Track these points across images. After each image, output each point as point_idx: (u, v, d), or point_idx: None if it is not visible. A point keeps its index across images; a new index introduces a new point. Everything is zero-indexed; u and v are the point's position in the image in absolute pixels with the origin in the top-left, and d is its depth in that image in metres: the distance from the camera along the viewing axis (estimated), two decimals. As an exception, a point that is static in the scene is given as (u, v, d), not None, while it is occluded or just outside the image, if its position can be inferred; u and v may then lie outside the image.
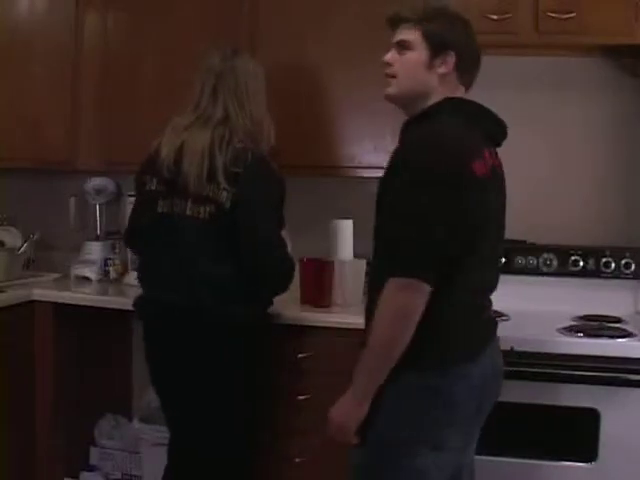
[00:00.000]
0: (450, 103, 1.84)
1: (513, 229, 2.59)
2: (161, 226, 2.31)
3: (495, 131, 1.91)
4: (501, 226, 1.92)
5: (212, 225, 2.24)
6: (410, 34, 1.84)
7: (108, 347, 3.19)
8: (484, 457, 2.24)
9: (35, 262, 3.28)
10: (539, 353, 2.35)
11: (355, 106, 2.81)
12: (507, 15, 2.61)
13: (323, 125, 2.85)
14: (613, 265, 2.75)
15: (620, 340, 2.38)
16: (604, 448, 2.33)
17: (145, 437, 2.93)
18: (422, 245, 1.68)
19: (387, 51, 1.91)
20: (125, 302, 2.60)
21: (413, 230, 1.68)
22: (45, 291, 2.89)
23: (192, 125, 2.31)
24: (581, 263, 2.78)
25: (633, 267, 2.74)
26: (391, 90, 1.89)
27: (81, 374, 3.00)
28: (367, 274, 2.75)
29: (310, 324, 2.58)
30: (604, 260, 2.76)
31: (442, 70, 1.83)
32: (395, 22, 1.88)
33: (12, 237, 3.15)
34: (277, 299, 2.87)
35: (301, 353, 2.57)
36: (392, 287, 1.69)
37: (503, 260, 2.77)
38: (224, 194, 2.22)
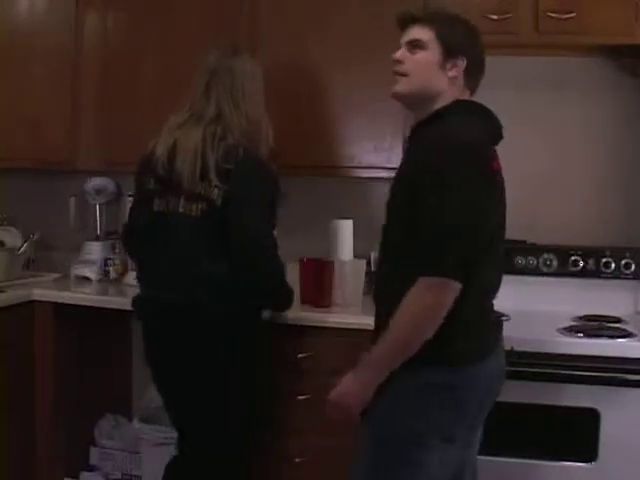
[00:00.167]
0: (461, 105, 1.87)
1: (513, 229, 2.59)
2: (157, 225, 2.32)
3: (496, 132, 1.92)
4: (505, 227, 1.93)
5: (205, 222, 2.25)
6: (424, 34, 1.85)
7: (108, 347, 3.19)
8: (484, 457, 2.23)
9: (35, 262, 3.28)
10: (539, 353, 2.35)
11: (355, 106, 2.81)
12: (507, 15, 2.61)
13: (323, 125, 2.85)
14: (613, 265, 2.75)
15: (620, 340, 2.38)
16: (604, 448, 2.33)
17: (145, 437, 2.93)
18: (453, 244, 1.70)
19: (396, 49, 1.91)
20: (125, 302, 2.60)
21: (444, 230, 1.70)
22: (45, 291, 2.89)
23: (185, 123, 2.32)
24: (581, 263, 2.78)
25: (633, 267, 2.74)
26: (400, 88, 1.89)
27: (81, 374, 3.00)
28: (368, 274, 2.75)
29: (310, 324, 2.57)
30: (604, 260, 2.76)
31: (452, 73, 1.86)
32: (407, 22, 1.89)
33: (12, 237, 3.15)
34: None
35: (301, 353, 2.57)
36: (423, 285, 1.71)
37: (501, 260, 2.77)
38: (215, 191, 2.23)
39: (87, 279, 3.12)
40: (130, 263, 3.07)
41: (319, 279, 2.72)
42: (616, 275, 2.76)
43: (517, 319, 2.57)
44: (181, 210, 2.27)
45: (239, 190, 2.23)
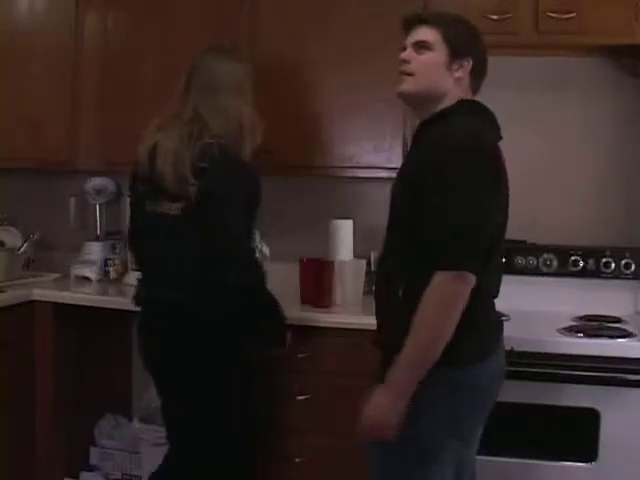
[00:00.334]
0: (465, 105, 1.89)
1: (513, 229, 2.59)
2: (149, 226, 2.36)
3: (497, 133, 1.93)
4: (506, 226, 1.94)
5: (184, 221, 2.27)
6: (430, 35, 1.87)
7: (108, 347, 3.19)
8: (484, 457, 2.24)
9: (35, 262, 3.28)
10: (539, 353, 2.35)
11: (355, 106, 2.81)
12: (507, 15, 2.61)
13: (323, 125, 2.85)
14: (613, 265, 2.75)
15: (620, 340, 2.38)
16: (604, 448, 2.33)
17: (145, 437, 2.93)
18: (470, 239, 1.71)
19: (397, 50, 1.93)
20: (125, 302, 2.60)
21: (461, 226, 1.71)
22: (45, 291, 2.89)
23: (166, 124, 2.33)
24: (581, 263, 2.78)
25: (633, 267, 2.74)
26: (407, 87, 1.90)
27: (81, 374, 3.00)
28: (368, 274, 2.75)
29: (310, 324, 2.57)
30: (604, 260, 2.76)
31: (458, 74, 1.88)
32: (413, 23, 1.91)
33: (12, 237, 3.15)
34: (277, 298, 2.88)
35: (301, 353, 2.57)
36: (441, 280, 1.71)
37: (503, 260, 2.77)
38: (192, 189, 2.23)
39: (87, 279, 3.12)
40: (130, 263, 3.07)
41: (319, 279, 2.72)
42: (616, 275, 2.76)
43: (517, 319, 2.57)
44: (166, 210, 2.29)
45: (212, 188, 2.23)
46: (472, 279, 1.71)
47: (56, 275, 3.17)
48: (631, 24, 2.55)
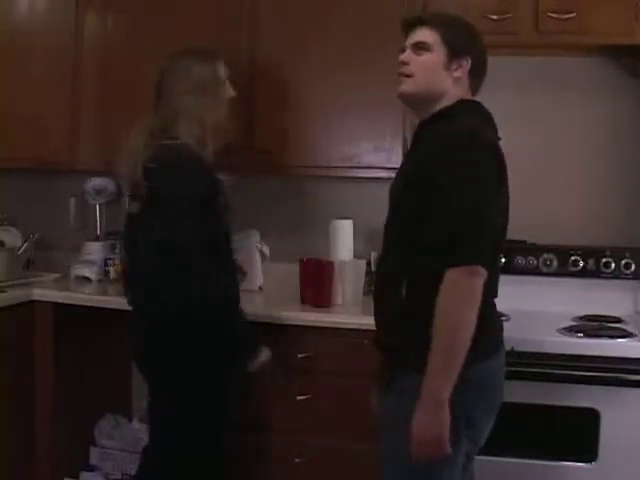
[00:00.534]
0: (466, 104, 1.89)
1: (513, 229, 2.59)
2: (124, 225, 2.44)
3: (496, 133, 1.93)
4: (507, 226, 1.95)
5: (141, 222, 2.31)
6: (429, 36, 1.88)
7: (108, 347, 3.19)
8: (484, 457, 2.23)
9: (35, 262, 3.28)
10: (539, 353, 2.35)
11: (355, 106, 2.81)
12: (507, 15, 2.61)
13: (323, 125, 2.85)
14: (613, 265, 2.75)
15: (620, 340, 2.38)
16: (604, 448, 2.33)
17: (145, 437, 2.93)
18: (481, 234, 1.72)
19: (397, 50, 1.94)
20: (125, 302, 2.60)
21: (471, 223, 1.71)
22: (45, 291, 2.89)
23: (138, 126, 2.36)
24: (581, 263, 2.78)
25: (633, 267, 2.74)
26: (406, 88, 1.91)
27: (81, 374, 3.00)
28: (368, 274, 2.75)
29: (310, 324, 2.58)
30: (604, 260, 2.76)
31: (457, 74, 1.88)
32: (412, 24, 1.92)
33: (12, 237, 3.15)
34: (277, 299, 2.89)
35: (301, 353, 2.57)
36: (456, 276, 1.70)
37: (503, 260, 2.77)
38: (144, 190, 2.26)
39: (87, 279, 3.12)
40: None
41: (319, 279, 2.72)
42: (616, 275, 2.76)
43: (517, 319, 2.57)
44: (132, 210, 2.36)
45: (159, 189, 2.24)
46: (485, 273, 1.72)
47: (56, 275, 3.17)
48: (631, 24, 2.55)
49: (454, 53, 1.87)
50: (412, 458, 1.74)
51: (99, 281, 3.13)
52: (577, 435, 2.38)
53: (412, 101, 1.95)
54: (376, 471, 1.92)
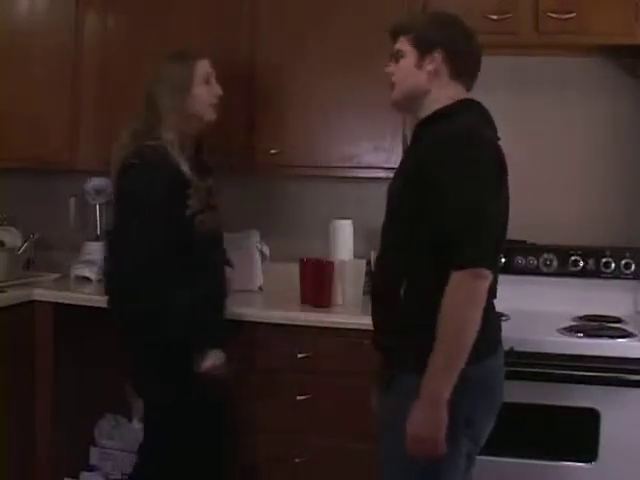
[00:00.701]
0: (464, 104, 1.89)
1: (513, 229, 2.58)
2: None
3: (495, 133, 1.92)
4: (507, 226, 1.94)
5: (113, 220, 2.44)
6: (402, 44, 1.93)
7: (108, 347, 3.18)
8: (484, 457, 2.23)
9: (35, 262, 3.28)
10: (539, 353, 2.35)
11: (355, 106, 2.81)
12: (507, 15, 2.61)
13: (323, 125, 2.85)
14: (613, 265, 2.75)
15: (620, 340, 2.38)
16: (604, 448, 2.33)
17: (145, 437, 2.93)
18: (484, 236, 1.72)
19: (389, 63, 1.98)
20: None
21: (471, 221, 1.71)
22: (45, 291, 2.89)
23: (125, 127, 2.42)
24: (581, 263, 2.78)
25: (633, 267, 2.74)
26: (393, 96, 1.97)
27: (81, 374, 3.00)
28: (368, 274, 2.75)
29: (310, 324, 2.58)
30: (604, 260, 2.76)
31: (430, 67, 1.89)
32: (393, 35, 1.96)
33: (12, 237, 3.14)
34: (277, 299, 2.89)
35: (301, 353, 2.57)
36: (461, 279, 1.70)
37: (503, 260, 2.77)
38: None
39: (87, 279, 3.12)
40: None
41: (319, 279, 2.72)
42: (616, 275, 2.75)
43: (517, 319, 2.57)
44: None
45: (119, 189, 2.33)
46: (489, 275, 1.72)
47: (56, 275, 3.16)
48: (631, 24, 2.55)
49: (423, 50, 1.89)
50: (410, 456, 1.74)
51: (99, 281, 3.12)
52: (577, 435, 2.38)
53: (402, 107, 2.00)
54: (376, 471, 1.92)
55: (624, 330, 2.47)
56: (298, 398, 2.57)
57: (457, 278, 1.70)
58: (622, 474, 2.32)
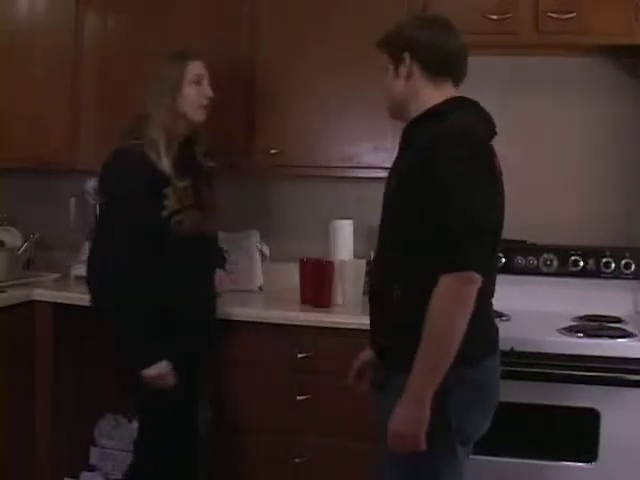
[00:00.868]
0: (455, 101, 1.88)
1: (513, 229, 2.58)
2: None
3: (489, 129, 1.92)
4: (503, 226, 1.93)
5: None
6: (382, 59, 1.96)
7: (108, 347, 3.18)
8: (484, 457, 2.24)
9: (35, 262, 3.28)
10: (539, 353, 2.35)
11: (355, 106, 2.81)
12: (507, 15, 2.61)
13: (323, 125, 2.85)
14: (613, 265, 2.75)
15: (620, 340, 2.38)
16: (604, 448, 2.33)
17: (145, 437, 2.93)
18: (474, 238, 1.71)
19: None
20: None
21: (463, 223, 1.70)
22: (45, 291, 2.89)
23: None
24: (581, 263, 2.78)
25: (633, 267, 2.74)
26: (387, 108, 1.99)
27: (81, 374, 3.00)
28: (368, 274, 2.75)
29: (310, 324, 2.58)
30: (604, 260, 2.76)
31: (403, 71, 1.90)
32: (380, 51, 1.99)
33: (12, 237, 3.14)
34: (277, 299, 2.89)
35: (301, 353, 2.57)
36: (449, 282, 1.70)
37: (503, 260, 2.77)
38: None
39: (87, 279, 3.12)
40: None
41: (319, 279, 2.72)
42: (616, 275, 2.76)
43: (517, 319, 2.57)
44: None
45: (98, 186, 2.38)
46: (479, 279, 1.71)
47: (56, 275, 3.16)
48: (631, 24, 2.55)
49: (395, 58, 1.91)
50: (411, 458, 1.75)
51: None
52: (577, 435, 2.38)
53: (395, 116, 2.00)
54: (375, 471, 1.92)
55: (624, 330, 2.47)
56: (298, 398, 2.57)
57: (445, 281, 1.70)
58: (622, 474, 2.32)
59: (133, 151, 2.30)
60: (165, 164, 2.30)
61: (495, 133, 1.92)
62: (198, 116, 2.39)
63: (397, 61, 1.90)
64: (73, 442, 2.99)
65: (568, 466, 2.36)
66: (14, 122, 2.98)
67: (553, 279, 2.79)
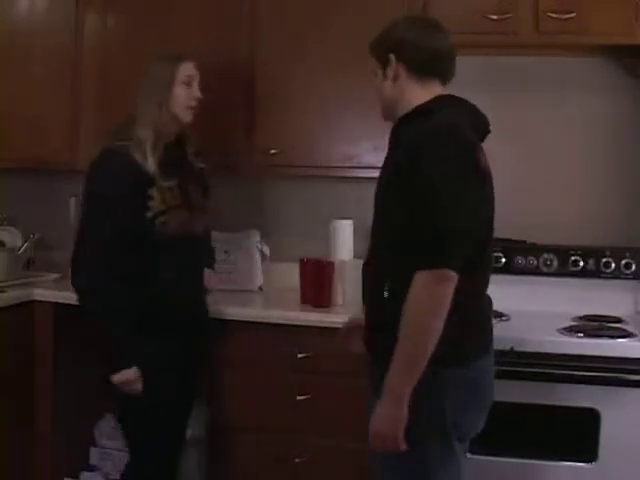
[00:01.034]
0: (443, 99, 1.88)
1: (513, 229, 2.58)
2: None
3: (481, 126, 1.92)
4: (493, 224, 1.93)
5: None
6: (373, 64, 1.96)
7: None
8: (484, 457, 2.24)
9: (35, 262, 3.28)
10: (539, 353, 2.35)
11: (355, 106, 2.80)
12: (507, 15, 2.61)
13: (323, 125, 2.85)
14: (613, 265, 2.75)
15: (620, 340, 2.37)
16: (604, 448, 2.33)
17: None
18: (450, 237, 1.71)
19: None
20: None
21: (442, 223, 1.70)
22: (45, 291, 2.89)
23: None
24: (581, 263, 2.78)
25: (633, 267, 2.74)
26: (381, 112, 2.01)
27: (81, 374, 3.00)
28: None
29: (310, 324, 2.58)
30: (604, 260, 2.76)
31: (390, 73, 1.91)
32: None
33: (12, 237, 3.15)
34: (277, 299, 2.89)
35: (301, 353, 2.57)
36: (423, 280, 1.70)
37: (503, 260, 2.77)
38: None
39: (87, 279, 3.12)
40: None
41: (319, 279, 2.72)
42: (616, 275, 2.75)
43: (517, 319, 2.57)
44: None
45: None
46: (454, 277, 1.70)
47: (56, 275, 3.16)
48: (631, 24, 2.54)
49: (382, 61, 1.92)
50: (409, 456, 1.76)
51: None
52: (577, 435, 2.38)
53: (387, 118, 2.00)
54: (375, 470, 1.93)
55: (624, 330, 2.47)
56: (298, 398, 2.57)
57: (420, 279, 1.71)
58: (622, 474, 2.32)
59: (119, 152, 2.30)
60: (150, 164, 2.29)
61: (488, 131, 1.93)
62: (186, 117, 2.39)
63: (384, 63, 1.91)
64: (73, 442, 2.99)
65: (568, 466, 2.36)
66: (14, 122, 2.99)
67: (553, 279, 2.79)
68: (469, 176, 1.75)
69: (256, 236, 3.09)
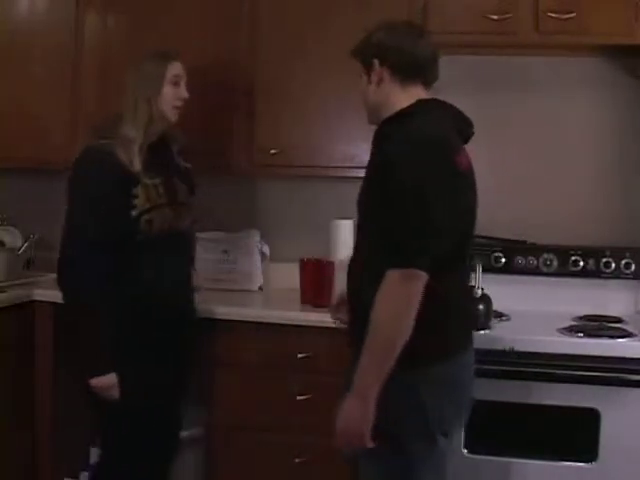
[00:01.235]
0: (424, 103, 1.90)
1: (513, 229, 2.58)
2: None
3: (464, 129, 1.93)
4: (474, 224, 1.94)
5: None
6: (359, 69, 1.97)
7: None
8: (484, 457, 2.24)
9: (35, 262, 3.28)
10: (539, 353, 2.35)
11: (355, 106, 2.79)
12: (507, 15, 2.61)
13: (323, 125, 2.85)
14: (613, 265, 2.75)
15: (620, 340, 2.38)
16: (604, 448, 2.33)
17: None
18: (418, 238, 1.72)
19: None
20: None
21: (410, 221, 1.72)
22: (45, 291, 2.89)
23: None
24: (581, 263, 2.78)
25: (633, 267, 2.74)
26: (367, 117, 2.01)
27: (81, 374, 2.99)
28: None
29: (310, 324, 2.58)
30: (604, 260, 2.76)
31: (374, 78, 1.92)
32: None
33: (12, 237, 3.15)
34: (277, 299, 2.89)
35: (301, 353, 2.57)
36: (391, 279, 1.71)
37: (503, 260, 2.77)
38: None
39: (87, 279, 3.12)
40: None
41: (319, 279, 2.72)
42: (616, 275, 2.76)
43: (517, 319, 2.57)
44: None
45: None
46: (424, 275, 1.71)
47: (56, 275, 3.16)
48: (631, 24, 2.55)
49: (366, 66, 1.93)
50: (391, 453, 1.79)
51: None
52: (577, 435, 2.38)
53: (372, 122, 1.99)
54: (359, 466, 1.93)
55: (624, 330, 2.47)
56: (298, 398, 2.57)
57: (389, 278, 1.72)
58: (622, 474, 2.32)
59: (103, 150, 2.29)
60: (136, 163, 2.29)
61: (472, 133, 1.93)
62: (172, 116, 2.39)
63: (368, 68, 1.93)
64: (73, 442, 2.99)
65: (568, 466, 2.36)
66: (14, 122, 2.98)
67: (553, 279, 2.79)
68: (444, 179, 1.76)
69: (256, 236, 3.09)
